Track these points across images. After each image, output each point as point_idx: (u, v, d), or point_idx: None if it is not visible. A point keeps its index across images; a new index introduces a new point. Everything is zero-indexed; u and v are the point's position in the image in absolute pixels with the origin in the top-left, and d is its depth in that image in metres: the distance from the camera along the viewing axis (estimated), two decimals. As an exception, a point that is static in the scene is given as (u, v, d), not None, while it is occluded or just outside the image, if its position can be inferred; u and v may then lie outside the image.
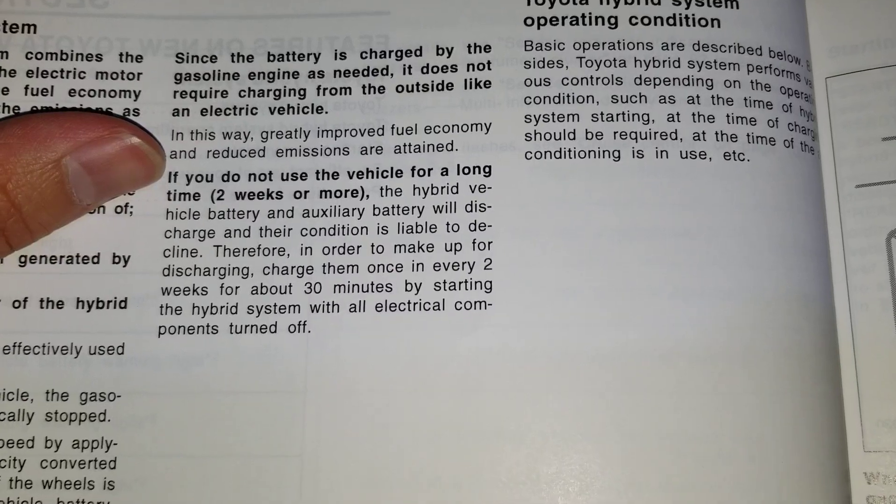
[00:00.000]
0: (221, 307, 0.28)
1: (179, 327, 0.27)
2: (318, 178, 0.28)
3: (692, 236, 0.28)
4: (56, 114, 0.27)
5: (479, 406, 0.27)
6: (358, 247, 0.28)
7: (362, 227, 0.28)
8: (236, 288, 0.28)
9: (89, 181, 0.26)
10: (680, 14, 0.29)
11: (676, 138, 0.28)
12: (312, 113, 0.29)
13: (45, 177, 0.25)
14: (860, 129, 0.30)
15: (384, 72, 0.29)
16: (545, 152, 0.28)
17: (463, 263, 0.28)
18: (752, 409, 0.27)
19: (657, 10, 0.29)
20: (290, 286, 0.28)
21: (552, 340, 0.27)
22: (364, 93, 0.29)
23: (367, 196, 0.28)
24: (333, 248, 0.28)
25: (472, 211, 0.28)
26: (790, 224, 0.28)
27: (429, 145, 0.29)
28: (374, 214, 0.28)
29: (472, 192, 0.28)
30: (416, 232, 0.28)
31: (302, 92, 0.29)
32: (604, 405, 0.27)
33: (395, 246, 0.28)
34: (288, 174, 0.28)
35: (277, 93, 0.29)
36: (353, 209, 0.28)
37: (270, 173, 0.29)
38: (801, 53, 0.30)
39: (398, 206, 0.28)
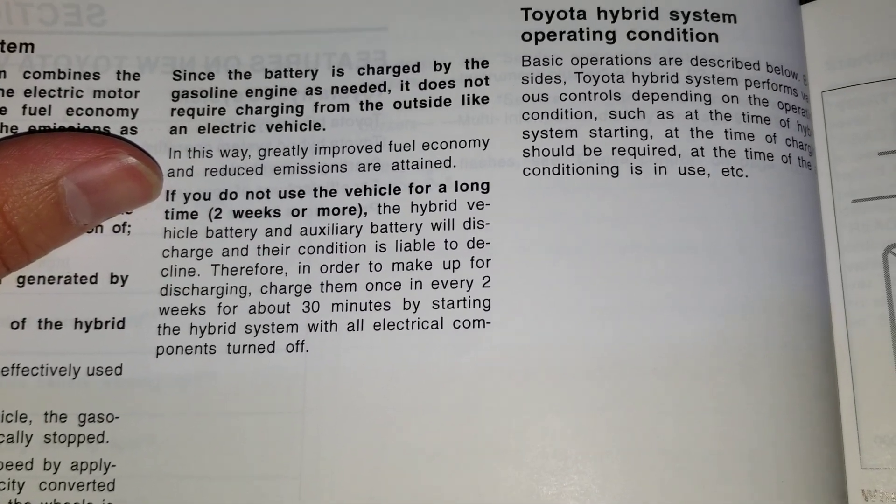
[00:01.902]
0: (219, 327, 0.28)
1: (177, 347, 0.27)
2: (315, 196, 0.28)
3: (691, 252, 0.28)
4: (52, 134, 0.27)
5: (479, 425, 0.27)
6: (356, 265, 0.28)
7: (360, 245, 0.28)
8: (234, 307, 0.28)
9: (86, 202, 0.26)
10: (678, 29, 0.29)
11: (675, 154, 0.28)
12: (310, 130, 0.29)
13: (42, 198, 0.25)
14: (857, 144, 0.30)
15: (382, 88, 0.29)
16: (543, 168, 0.28)
17: (461, 281, 0.28)
18: (751, 425, 0.27)
19: (655, 24, 0.29)
20: (288, 305, 0.28)
21: (551, 358, 0.27)
22: (361, 109, 0.29)
23: (365, 213, 0.28)
24: (331, 266, 0.28)
25: (470, 228, 0.28)
26: (788, 239, 0.28)
27: (426, 162, 0.29)
28: (371, 232, 0.28)
29: (471, 208, 0.28)
30: (415, 249, 0.28)
31: (299, 109, 0.29)
32: (603, 422, 0.27)
33: (394, 264, 0.28)
34: (286, 192, 0.28)
35: (275, 110, 0.29)
36: (351, 227, 0.28)
37: (268, 191, 0.28)
38: (797, 68, 0.30)
39: (396, 224, 0.28)
